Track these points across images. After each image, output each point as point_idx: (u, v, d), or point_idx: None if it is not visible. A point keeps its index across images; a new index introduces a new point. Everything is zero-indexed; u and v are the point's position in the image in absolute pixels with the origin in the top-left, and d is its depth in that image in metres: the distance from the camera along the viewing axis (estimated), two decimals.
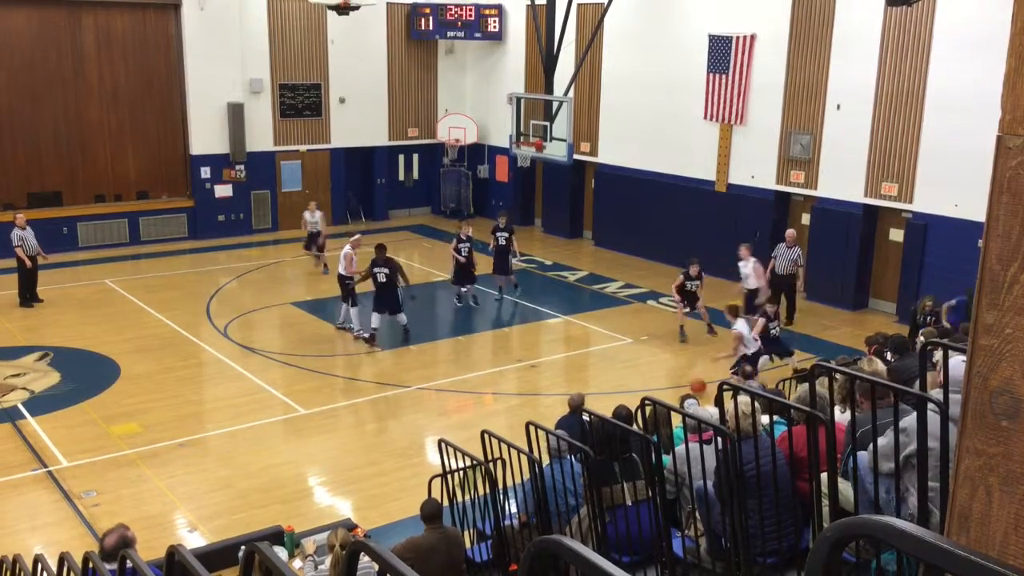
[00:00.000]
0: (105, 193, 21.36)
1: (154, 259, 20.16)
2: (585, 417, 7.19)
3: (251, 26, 22.00)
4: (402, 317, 15.16)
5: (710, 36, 18.92)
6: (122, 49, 21.07)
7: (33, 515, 9.74)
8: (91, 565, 4.68)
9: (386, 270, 14.73)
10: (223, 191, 22.33)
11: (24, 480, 10.38)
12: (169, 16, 21.35)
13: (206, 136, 21.90)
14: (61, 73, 20.43)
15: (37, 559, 6.21)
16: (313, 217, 19.32)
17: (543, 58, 20.35)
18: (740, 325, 13.12)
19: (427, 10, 24.10)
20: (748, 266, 15.47)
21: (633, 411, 7.27)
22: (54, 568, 5.77)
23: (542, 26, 20.24)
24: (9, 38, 19.78)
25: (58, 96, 20.46)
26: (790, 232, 16.39)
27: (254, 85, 22.27)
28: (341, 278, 15.56)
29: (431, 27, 24.20)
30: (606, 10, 19.53)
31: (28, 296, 16.58)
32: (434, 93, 25.44)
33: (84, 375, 13.52)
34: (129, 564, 3.89)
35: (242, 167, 22.42)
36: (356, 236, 16.32)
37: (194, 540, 9.08)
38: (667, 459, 6.06)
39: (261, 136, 22.63)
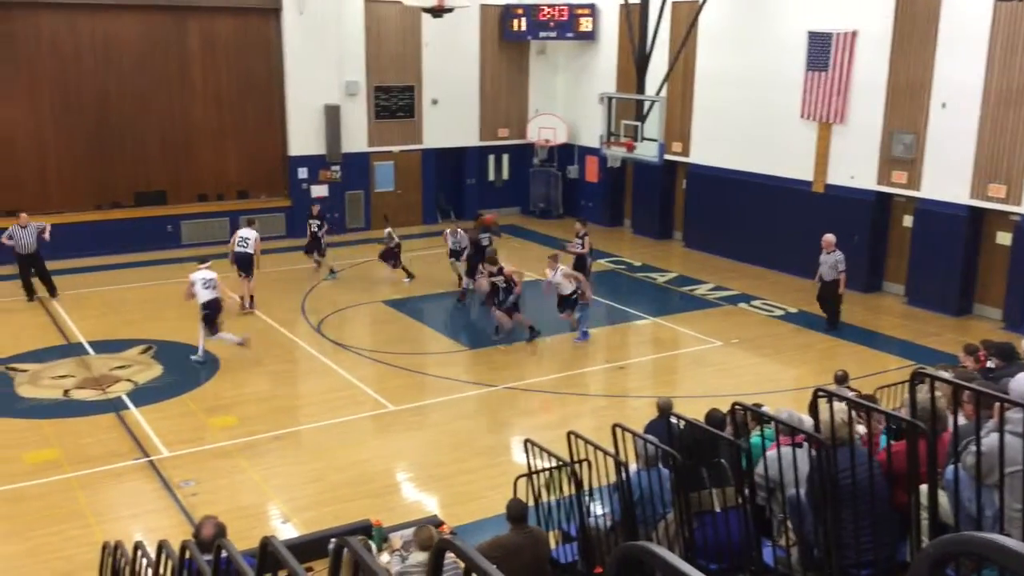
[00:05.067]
0: (207, 192, 22.08)
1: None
2: (673, 421, 7.09)
3: (348, 29, 22.44)
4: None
5: (809, 33, 18.46)
6: (225, 53, 21.76)
7: (134, 503, 10.13)
8: (188, 554, 4.83)
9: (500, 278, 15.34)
10: (319, 191, 22.84)
11: (127, 469, 10.80)
12: (270, 20, 21.94)
13: (303, 137, 22.43)
14: (167, 76, 21.21)
15: (137, 546, 6.45)
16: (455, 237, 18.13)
17: (635, 57, 20.18)
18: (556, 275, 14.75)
19: (520, 11, 24.18)
20: (557, 274, 15.01)
21: (726, 415, 7.15)
22: (153, 555, 5.99)
23: (635, 25, 20.07)
24: (119, 42, 20.63)
25: (164, 98, 21.24)
26: (828, 237, 15.69)
27: (350, 87, 22.71)
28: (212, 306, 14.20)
29: (524, 28, 24.27)
30: (701, 8, 19.26)
31: (30, 289, 17.07)
32: (525, 94, 25.51)
33: (185, 368, 14.00)
34: (224, 554, 4.00)
35: (337, 168, 22.90)
36: (208, 262, 14.72)
37: (286, 531, 9.30)
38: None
39: (356, 137, 23.07)
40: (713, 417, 7.66)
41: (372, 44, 22.92)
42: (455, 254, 18.15)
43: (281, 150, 22.60)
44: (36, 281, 17.13)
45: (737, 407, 6.30)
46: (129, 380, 13.48)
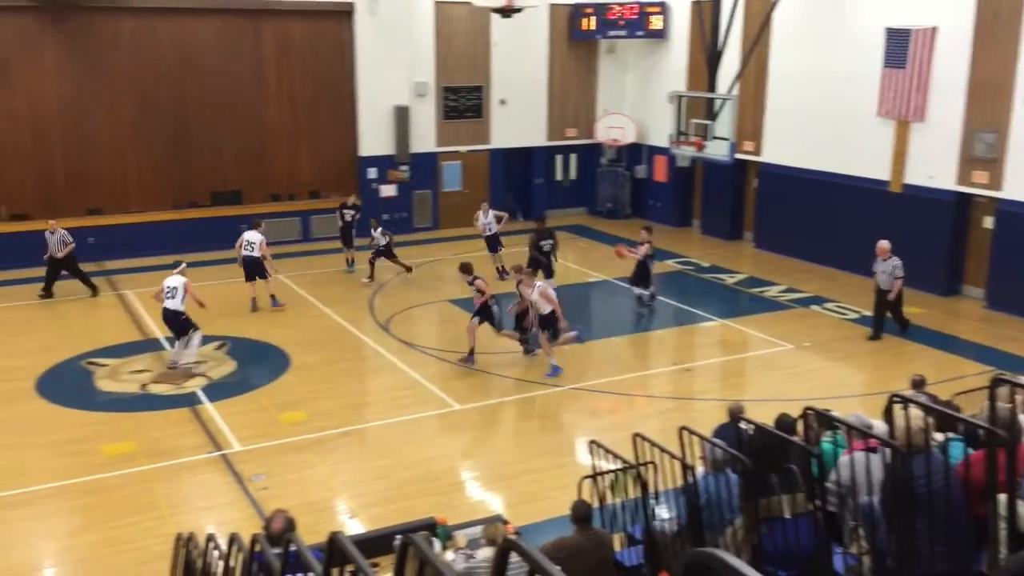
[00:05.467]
0: (280, 192, 22.50)
1: (323, 256, 21.06)
2: (742, 425, 6.98)
3: (418, 31, 22.65)
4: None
5: (887, 30, 18.01)
6: (299, 55, 22.15)
7: (207, 495, 10.37)
8: (258, 547, 4.92)
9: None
10: (388, 191, 23.11)
11: (200, 462, 11.06)
12: (342, 22, 22.26)
13: (373, 138, 22.72)
14: (242, 78, 21.68)
15: (209, 538, 6.60)
16: (487, 218, 19.11)
17: (707, 55, 19.94)
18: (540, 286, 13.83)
19: (590, 10, 24.09)
20: (534, 292, 13.80)
21: (795, 420, 7.01)
22: (224, 547, 6.11)
23: (707, 23, 19.83)
24: (196, 46, 21.15)
25: (239, 100, 21.72)
26: (883, 244, 14.99)
27: (419, 88, 22.92)
28: (177, 314, 13.88)
29: (593, 27, 24.18)
30: (775, 5, 18.94)
31: (47, 289, 17.45)
32: (593, 93, 25.41)
33: (258, 364, 14.29)
34: (293, 548, 4.06)
35: (406, 168, 23.13)
36: (182, 265, 14.52)
37: (353, 527, 9.42)
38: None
39: (424, 137, 23.27)
40: (783, 422, 7.52)
41: (441, 45, 23.09)
42: (489, 242, 19.24)
43: (352, 151, 22.91)
44: (76, 283, 17.68)
45: (808, 412, 6.18)
46: (203, 375, 13.81)
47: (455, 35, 23.24)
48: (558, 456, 11.20)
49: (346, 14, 22.11)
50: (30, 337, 15.45)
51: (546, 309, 13.77)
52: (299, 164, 22.62)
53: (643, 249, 16.93)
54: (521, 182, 25.23)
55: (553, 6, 24.05)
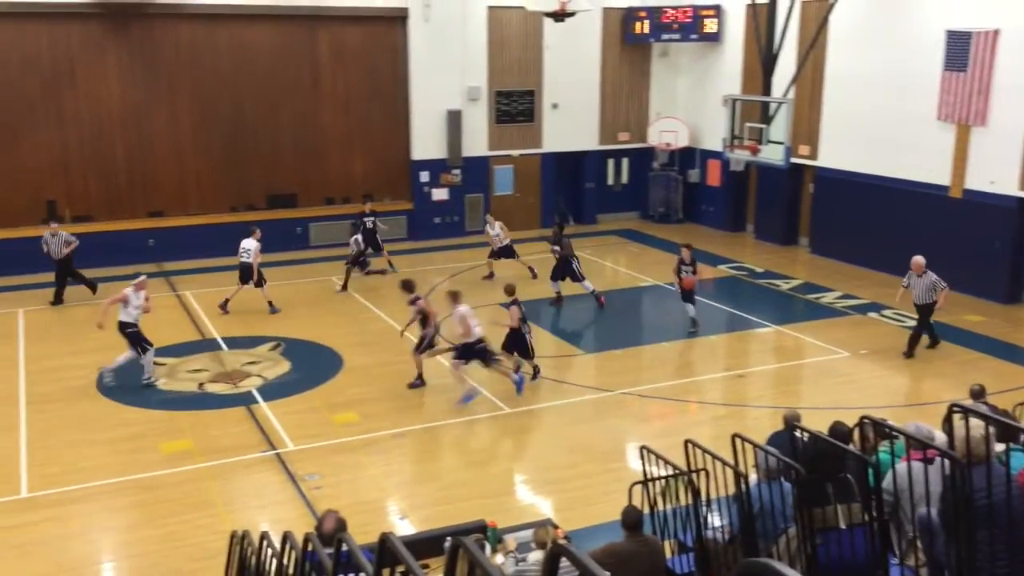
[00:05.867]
0: (334, 195, 22.77)
1: (375, 258, 21.23)
2: (797, 433, 6.88)
3: (471, 35, 22.77)
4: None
5: (948, 32, 17.63)
6: (353, 59, 22.40)
7: (261, 494, 10.52)
8: (310, 546, 4.98)
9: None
10: (440, 194, 23.25)
11: (255, 461, 11.23)
12: (396, 28, 22.46)
13: (426, 142, 22.88)
14: (297, 83, 21.99)
15: (263, 536, 6.69)
16: (495, 230, 19.07)
17: (762, 58, 19.73)
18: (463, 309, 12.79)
19: (643, 14, 23.99)
20: (455, 315, 12.88)
21: (851, 429, 6.89)
22: (277, 546, 6.20)
23: (762, 25, 19.62)
24: (253, 51, 21.51)
25: (295, 104, 22.03)
26: (917, 259, 14.38)
27: (472, 93, 23.02)
28: (128, 327, 13.40)
29: (646, 30, 24.07)
30: (832, 7, 18.67)
31: (59, 295, 17.57)
32: (646, 97, 25.29)
33: (311, 365, 14.46)
34: (345, 548, 4.10)
35: (458, 171, 23.26)
36: (141, 277, 13.98)
37: (404, 528, 9.48)
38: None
39: (476, 141, 23.37)
40: (837, 430, 7.39)
41: (494, 49, 23.18)
42: (495, 253, 19.12)
43: (404, 154, 23.09)
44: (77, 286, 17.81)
45: (865, 420, 6.08)
46: (259, 375, 14.03)
47: (507, 39, 23.31)
48: (608, 461, 11.15)
49: (400, 19, 22.30)
50: (92, 336, 15.81)
51: (462, 333, 12.71)
52: (352, 167, 22.87)
53: (698, 266, 16.18)
54: (572, 186, 25.20)
55: (606, 10, 23.99)
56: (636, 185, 25.74)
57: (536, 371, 13.71)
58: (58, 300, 17.63)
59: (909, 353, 14.53)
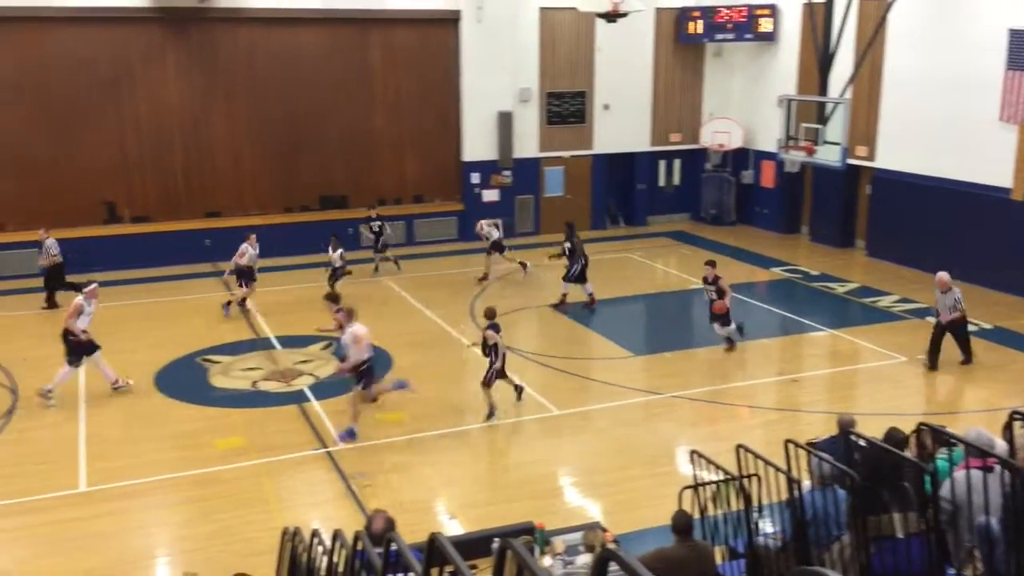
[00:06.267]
0: (385, 197, 22.95)
1: (426, 259, 21.38)
2: (852, 439, 6.75)
3: (523, 37, 22.79)
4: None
5: (1011, 31, 17.17)
6: (405, 61, 22.56)
7: (312, 491, 10.64)
8: (360, 545, 5.01)
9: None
10: (490, 196, 23.31)
11: (306, 459, 11.36)
12: (448, 29, 22.57)
13: (477, 143, 22.96)
14: (350, 85, 22.21)
15: (314, 533, 6.76)
16: (492, 229, 18.58)
17: (818, 58, 19.44)
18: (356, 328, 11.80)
19: (697, 13, 23.78)
20: (347, 335, 11.77)
21: (908, 436, 6.74)
22: (328, 543, 6.25)
23: (819, 24, 19.33)
24: (308, 54, 21.75)
25: (347, 106, 22.25)
26: (942, 276, 13.80)
27: (523, 94, 23.04)
28: (67, 333, 13.07)
29: (700, 30, 23.86)
30: (890, 6, 18.31)
31: (51, 299, 17.60)
32: (699, 97, 25.07)
33: None
34: (394, 547, 4.12)
35: (508, 173, 23.29)
36: (92, 286, 13.62)
37: (452, 528, 9.51)
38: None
39: (527, 143, 23.38)
40: (893, 437, 7.24)
41: (546, 50, 23.17)
42: (496, 246, 19.24)
43: (455, 156, 23.19)
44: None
45: (922, 427, 5.94)
46: (311, 374, 14.18)
47: (559, 40, 23.28)
48: (658, 465, 11.06)
49: (452, 21, 22.40)
50: (150, 333, 16.16)
51: (352, 357, 11.68)
52: (404, 169, 23.02)
53: (724, 283, 15.00)
54: (623, 188, 25.07)
55: (659, 10, 23.83)
56: (688, 186, 25.52)
57: (519, 391, 12.84)
58: (50, 304, 17.51)
59: (932, 366, 13.95)
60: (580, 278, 17.45)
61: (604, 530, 8.47)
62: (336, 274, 18.17)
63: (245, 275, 17.20)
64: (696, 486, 7.43)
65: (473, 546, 7.82)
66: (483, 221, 19.76)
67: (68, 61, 19.96)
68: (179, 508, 10.33)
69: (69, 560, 9.16)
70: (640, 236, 23.91)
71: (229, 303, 17.24)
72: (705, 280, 14.98)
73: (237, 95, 21.39)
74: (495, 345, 12.31)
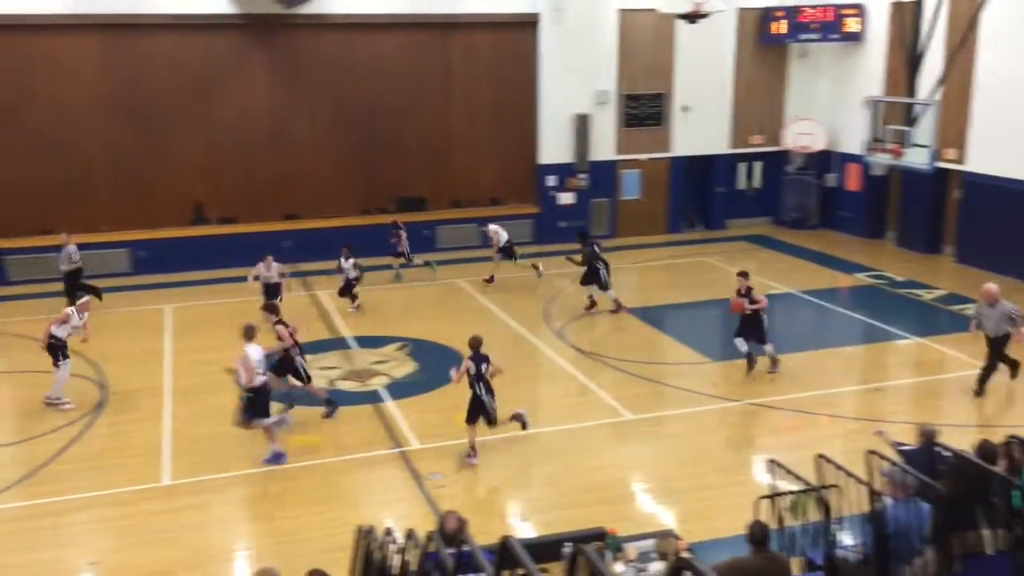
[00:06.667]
0: (461, 199, 23.10)
1: (499, 261, 21.40)
2: (937, 450, 6.52)
3: (601, 39, 22.69)
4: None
5: None
6: (483, 65, 22.67)
7: (386, 490, 10.74)
8: (433, 545, 5.03)
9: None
10: (566, 199, 23.25)
11: (380, 457, 11.48)
12: (527, 32, 22.59)
13: (553, 146, 22.93)
14: (429, 88, 22.42)
15: (387, 531, 6.83)
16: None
17: (906, 58, 18.90)
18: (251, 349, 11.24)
19: (781, 13, 23.34)
20: (238, 361, 11.27)
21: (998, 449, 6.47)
22: (400, 542, 6.31)
23: (908, 24, 18.79)
24: (388, 58, 22.02)
25: (425, 110, 22.46)
26: (989, 288, 12.85)
27: (600, 96, 22.93)
28: (51, 337, 13.05)
29: (784, 31, 23.41)
30: (982, 4, 17.68)
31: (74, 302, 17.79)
32: (782, 99, 24.59)
33: (436, 366, 14.64)
34: (465, 547, 4.12)
35: (584, 175, 23.20)
36: (85, 299, 14.01)
37: (523, 531, 9.49)
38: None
39: (603, 145, 23.26)
40: (985, 450, 6.96)
41: (625, 52, 23.02)
42: (503, 251, 19.15)
43: (531, 159, 23.20)
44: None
45: (1012, 440, 5.70)
46: (386, 375, 14.34)
47: (638, 42, 23.10)
48: (733, 473, 10.86)
49: (530, 24, 22.43)
50: (233, 331, 16.50)
51: (243, 379, 11.13)
52: (480, 172, 23.13)
53: (755, 294, 14.17)
54: (701, 191, 24.75)
55: (742, 10, 23.47)
56: (769, 189, 25.06)
57: (522, 422, 11.68)
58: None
59: (979, 391, 13.08)
60: (588, 281, 17.25)
61: (678, 538, 8.34)
62: (350, 284, 17.66)
63: (270, 290, 16.57)
64: (773, 496, 7.27)
65: (544, 550, 7.77)
66: (492, 225, 19.67)
67: (159, 67, 20.60)
68: (257, 503, 10.54)
69: (149, 552, 9.42)
70: (718, 240, 23.56)
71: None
72: (739, 292, 14.08)
73: (319, 99, 21.78)
74: (477, 375, 11.06)
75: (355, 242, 19.82)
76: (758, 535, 6.43)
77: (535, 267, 19.31)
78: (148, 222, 20.84)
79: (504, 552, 3.41)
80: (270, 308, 12.70)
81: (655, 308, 17.61)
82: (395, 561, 6.61)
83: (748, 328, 13.98)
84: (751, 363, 13.96)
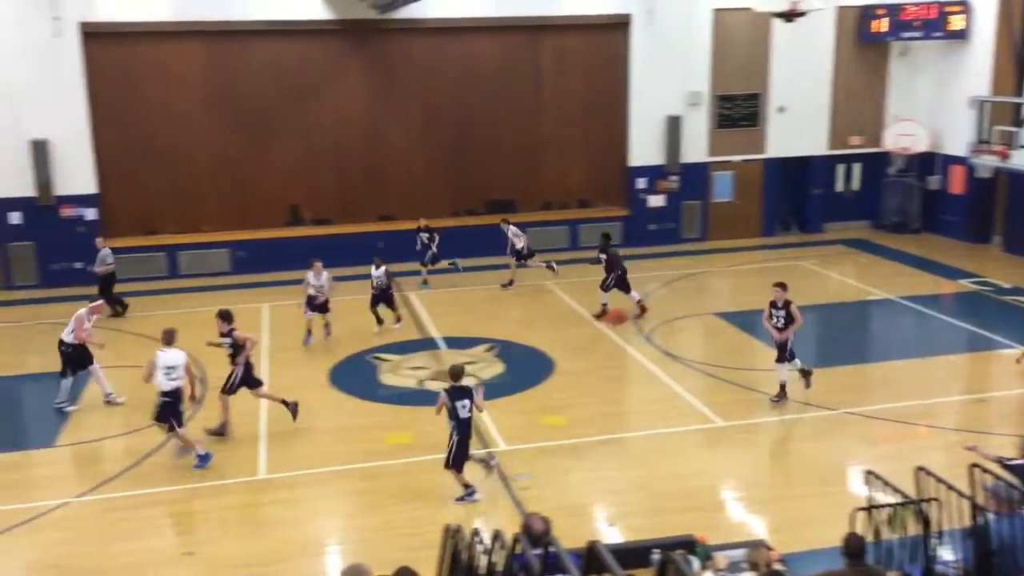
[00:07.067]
0: (551, 201, 23.11)
1: (589, 264, 21.33)
2: None
3: (694, 39, 22.42)
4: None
5: None
6: (574, 66, 22.64)
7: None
8: (519, 547, 5.06)
9: None
10: (656, 201, 23.04)
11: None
12: (619, 34, 22.48)
13: (643, 148, 22.75)
14: (520, 91, 22.51)
15: (475, 532, 6.88)
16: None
17: (1014, 56, 18.11)
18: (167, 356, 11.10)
19: (882, 11, 22.67)
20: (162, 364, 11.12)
21: None
22: (487, 542, 6.35)
23: (1016, 21, 18.02)
24: (478, 61, 22.22)
25: (516, 111, 22.55)
26: None
27: (693, 97, 22.65)
28: (63, 345, 13.20)
29: (885, 29, 22.73)
30: None
31: (116, 304, 17.83)
32: (882, 99, 23.87)
33: (524, 368, 14.74)
34: (552, 550, 4.13)
35: (676, 178, 22.95)
36: (98, 302, 14.32)
37: (610, 536, 9.44)
38: None
39: (695, 147, 22.97)
40: None
41: (718, 53, 22.69)
42: (520, 255, 19.11)
43: (621, 161, 23.07)
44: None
45: None
46: (474, 375, 14.45)
47: (733, 42, 22.74)
48: (827, 484, 10.59)
49: (622, 25, 22.32)
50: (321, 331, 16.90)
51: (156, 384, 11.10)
52: (569, 174, 23.11)
53: (794, 309, 12.89)
54: (797, 193, 24.20)
55: (841, 8, 22.87)
56: (868, 192, 24.34)
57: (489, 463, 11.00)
58: (116, 310, 17.84)
59: None
60: (623, 288, 17.02)
61: (769, 548, 8.18)
62: (384, 294, 16.61)
63: (314, 304, 15.84)
64: (870, 508, 7.06)
65: (631, 556, 7.72)
66: (513, 227, 19.50)
67: (259, 72, 21.24)
68: (348, 499, 10.76)
69: (245, 544, 9.71)
70: (814, 244, 23.01)
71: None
72: (773, 305, 12.84)
73: (412, 102, 22.10)
74: (454, 413, 10.28)
75: (445, 244, 20.01)
76: (854, 547, 6.26)
77: (550, 267, 19.32)
78: (247, 223, 21.49)
79: (591, 556, 3.41)
80: (223, 315, 12.28)
81: (748, 313, 17.27)
82: (482, 561, 6.66)
83: (783, 348, 12.87)
84: (806, 377, 13.04)
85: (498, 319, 17.31)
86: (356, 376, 14.53)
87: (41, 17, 19.21)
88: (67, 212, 20.16)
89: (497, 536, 6.55)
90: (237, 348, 12.12)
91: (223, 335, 12.16)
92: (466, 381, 12.66)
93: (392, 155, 22.23)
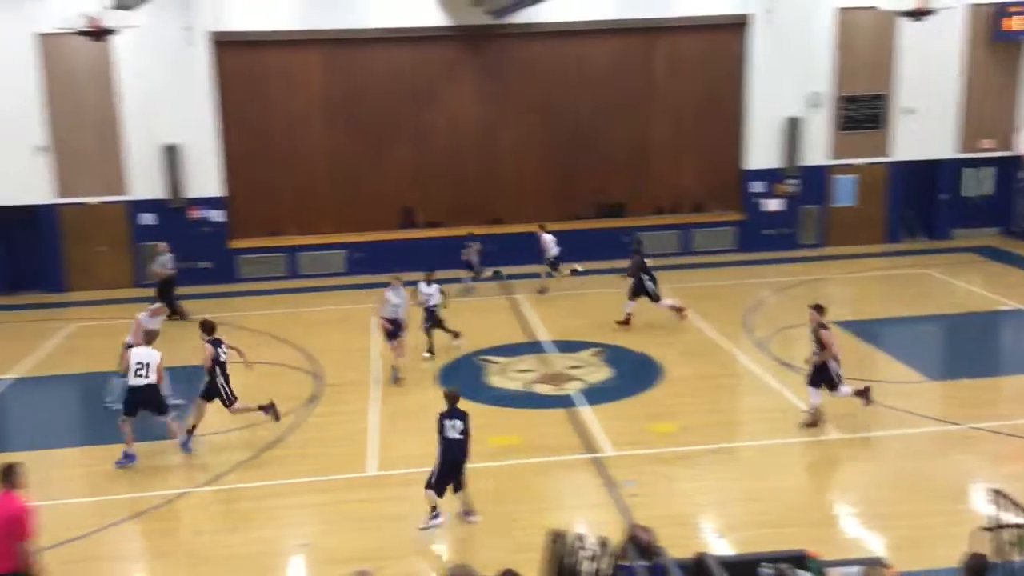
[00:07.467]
0: (663, 205, 22.84)
1: (701, 270, 21.00)
2: None
3: (816, 39, 21.80)
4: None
5: None
6: (688, 68, 22.34)
7: (578, 494, 10.79)
8: (626, 558, 5.00)
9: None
10: (773, 205, 22.48)
11: (573, 462, 11.52)
12: (736, 34, 22.06)
13: (761, 151, 22.24)
14: (633, 93, 22.35)
15: (579, 537, 6.84)
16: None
17: None
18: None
19: (1016, 8, 21.53)
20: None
21: None
22: (593, 549, 6.30)
23: None
24: (594, 64, 22.17)
25: (628, 114, 22.40)
26: None
27: (814, 98, 22.02)
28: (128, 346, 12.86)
29: (1019, 27, 21.58)
30: None
31: (175, 309, 17.71)
32: (1015, 100, 22.66)
33: (632, 373, 14.60)
34: (659, 561, 4.06)
35: (794, 181, 22.34)
36: (156, 304, 14.20)
37: (719, 547, 9.23)
38: None
39: (815, 149, 22.31)
40: None
41: (841, 52, 22.00)
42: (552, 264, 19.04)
43: (735, 164, 22.61)
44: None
45: None
46: (581, 380, 14.41)
47: (856, 41, 21.99)
48: (949, 501, 10.11)
49: (740, 25, 21.89)
50: (440, 333, 17.11)
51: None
52: (682, 177, 22.80)
53: (828, 335, 12.06)
54: (923, 198, 23.20)
55: (972, 6, 21.84)
56: (1000, 197, 23.16)
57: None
58: (176, 315, 17.61)
59: None
60: (648, 297, 16.60)
61: (886, 566, 7.85)
62: (432, 314, 15.50)
63: (392, 329, 14.56)
64: (996, 528, 6.70)
65: (740, 569, 7.52)
66: (547, 235, 19.23)
67: (376, 77, 21.77)
68: (453, 499, 10.83)
69: (356, 539, 9.91)
70: (941, 251, 22.01)
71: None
72: (821, 324, 12.03)
73: (524, 106, 22.24)
74: (442, 436, 9.92)
75: (562, 246, 19.87)
76: (978, 568, 5.97)
77: (574, 271, 19.11)
78: (362, 225, 22.03)
79: (700, 569, 3.33)
80: (206, 327, 12.33)
81: (870, 322, 16.68)
82: (585, 567, 6.62)
83: (819, 373, 12.05)
84: (863, 396, 12.15)
85: (605, 324, 17.15)
86: (465, 377, 14.65)
87: (173, 27, 20.19)
88: (194, 214, 21.13)
89: (604, 543, 6.50)
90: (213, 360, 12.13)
91: (207, 343, 12.15)
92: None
93: (504, 158, 22.41)
